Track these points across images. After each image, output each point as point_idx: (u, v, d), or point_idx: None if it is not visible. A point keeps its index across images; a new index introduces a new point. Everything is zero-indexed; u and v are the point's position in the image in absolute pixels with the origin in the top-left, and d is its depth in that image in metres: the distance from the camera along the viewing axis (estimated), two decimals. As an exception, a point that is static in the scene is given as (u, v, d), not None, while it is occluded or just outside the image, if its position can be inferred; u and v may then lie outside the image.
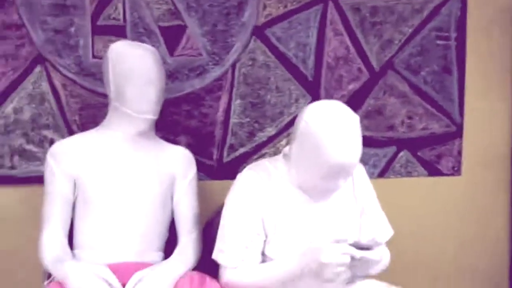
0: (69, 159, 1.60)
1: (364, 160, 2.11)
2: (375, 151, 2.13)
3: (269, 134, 2.04)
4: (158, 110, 1.64)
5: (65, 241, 1.57)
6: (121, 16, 1.90)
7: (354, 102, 2.09)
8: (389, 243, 2.14)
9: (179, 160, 1.71)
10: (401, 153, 2.15)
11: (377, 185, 2.12)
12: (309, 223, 1.51)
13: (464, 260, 2.26)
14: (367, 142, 2.11)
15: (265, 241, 1.50)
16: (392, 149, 2.15)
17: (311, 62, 2.05)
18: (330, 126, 1.36)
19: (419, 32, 2.13)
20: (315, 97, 2.06)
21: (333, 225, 1.53)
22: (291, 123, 2.05)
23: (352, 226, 1.57)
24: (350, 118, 1.40)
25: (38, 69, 1.85)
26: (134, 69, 1.58)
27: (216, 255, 1.51)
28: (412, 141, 2.16)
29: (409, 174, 2.17)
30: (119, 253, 1.57)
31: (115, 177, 1.60)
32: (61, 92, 1.88)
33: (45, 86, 1.86)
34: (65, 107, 1.88)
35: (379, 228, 1.62)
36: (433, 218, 2.21)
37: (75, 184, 1.60)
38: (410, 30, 2.12)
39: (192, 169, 1.73)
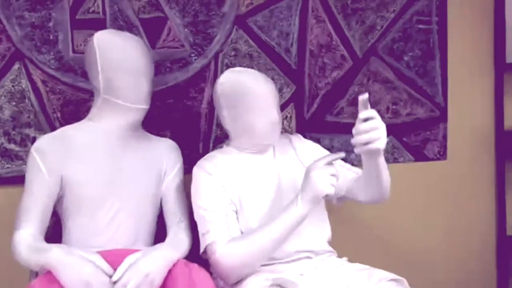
0: (57, 155, 1.54)
1: (350, 148, 2.11)
2: (361, 138, 2.13)
3: (255, 124, 2.03)
4: (149, 100, 1.63)
5: (41, 237, 1.50)
6: (100, 9, 1.87)
7: (338, 89, 2.09)
8: (376, 228, 2.17)
9: (166, 152, 1.70)
10: (387, 139, 2.15)
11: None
12: (267, 177, 1.62)
13: (452, 244, 2.28)
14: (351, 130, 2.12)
15: (236, 213, 1.56)
16: (378, 136, 2.15)
17: (294, 50, 2.04)
18: (238, 73, 1.64)
19: (400, 17, 2.13)
20: (299, 85, 2.05)
21: (290, 173, 1.65)
22: (276, 112, 2.04)
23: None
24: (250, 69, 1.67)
25: (16, 66, 1.81)
26: (125, 58, 1.56)
27: (203, 241, 1.51)
28: (398, 127, 2.16)
29: (395, 160, 2.17)
30: (108, 248, 1.54)
31: (105, 172, 1.57)
32: (42, 89, 1.84)
33: (24, 83, 1.82)
34: (47, 104, 1.84)
35: (347, 173, 1.70)
36: (420, 202, 2.22)
37: (61, 181, 1.55)
38: (392, 15, 2.12)
39: (179, 161, 1.72)
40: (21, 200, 1.55)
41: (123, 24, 1.88)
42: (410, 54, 2.15)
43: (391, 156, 2.16)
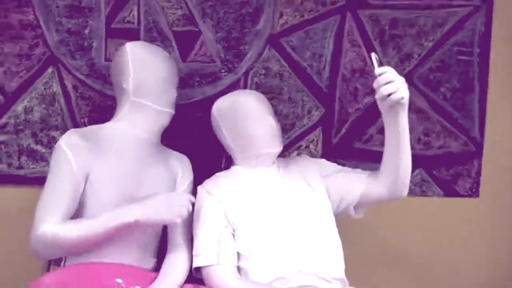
0: (87, 153, 1.50)
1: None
2: (388, 168, 2.06)
3: (280, 145, 2.00)
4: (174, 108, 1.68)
5: None
6: (135, 20, 1.89)
7: (369, 116, 2.04)
8: (402, 263, 2.09)
9: (181, 166, 1.70)
10: (416, 171, 2.08)
11: (390, 203, 2.07)
12: (270, 194, 1.61)
13: (484, 285, 2.17)
14: (381, 158, 2.05)
15: (234, 235, 1.55)
16: (406, 166, 2.08)
17: (326, 73, 2.00)
18: (228, 96, 1.70)
19: (440, 46, 2.05)
20: (329, 109, 2.01)
21: (293, 190, 1.62)
22: (303, 135, 2.01)
23: (308, 196, 1.63)
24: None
25: (50, 69, 1.86)
26: (156, 64, 1.61)
27: (194, 262, 1.53)
28: (428, 160, 2.08)
29: (424, 193, 2.09)
30: (118, 258, 1.51)
31: (127, 181, 1.55)
32: (72, 94, 1.88)
33: (56, 87, 1.86)
34: (75, 108, 1.88)
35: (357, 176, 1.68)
36: (448, 239, 2.12)
37: (86, 180, 1.51)
38: (431, 44, 2.05)
39: (191, 175, 1.71)
40: (43, 195, 1.49)
41: (156, 36, 1.90)
42: (447, 85, 2.07)
43: (419, 189, 2.08)
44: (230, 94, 1.73)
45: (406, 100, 1.43)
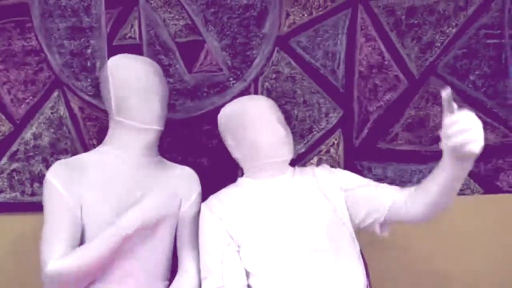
0: (74, 183, 1.47)
1: (406, 178, 1.91)
2: (418, 167, 1.90)
3: (298, 151, 1.88)
4: (163, 122, 1.56)
5: None
6: (137, 35, 1.84)
7: (392, 113, 1.89)
8: (436, 268, 1.92)
9: (180, 180, 1.60)
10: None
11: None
12: (279, 204, 1.50)
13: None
14: (409, 157, 1.91)
15: (239, 252, 1.46)
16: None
17: (341, 72, 1.88)
18: (235, 101, 1.61)
19: (464, 32, 1.90)
20: (348, 109, 1.88)
21: (305, 200, 1.51)
22: (323, 139, 1.90)
23: (323, 207, 1.51)
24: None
25: (56, 93, 1.83)
26: (135, 78, 1.52)
27: (203, 285, 1.45)
28: (463, 155, 1.91)
29: (461, 192, 1.91)
30: (125, 284, 1.46)
31: (119, 202, 1.49)
32: (79, 116, 1.84)
33: (62, 110, 1.83)
34: (83, 130, 1.84)
35: (384, 191, 1.51)
36: (490, 241, 1.94)
37: (80, 210, 1.47)
38: (454, 30, 1.90)
39: (196, 190, 1.61)
40: (44, 232, 1.43)
41: (160, 49, 1.84)
42: (477, 72, 1.90)
43: (455, 187, 1.91)
44: (237, 99, 1.62)
45: (477, 154, 1.19)
